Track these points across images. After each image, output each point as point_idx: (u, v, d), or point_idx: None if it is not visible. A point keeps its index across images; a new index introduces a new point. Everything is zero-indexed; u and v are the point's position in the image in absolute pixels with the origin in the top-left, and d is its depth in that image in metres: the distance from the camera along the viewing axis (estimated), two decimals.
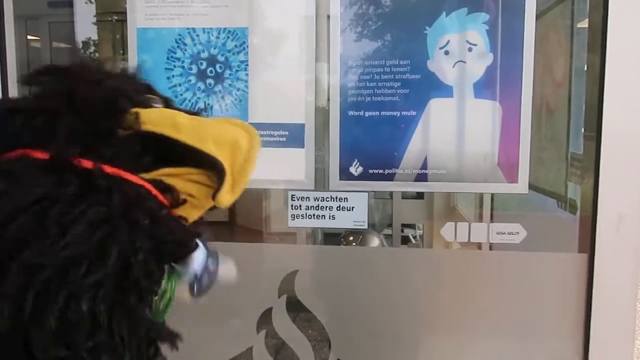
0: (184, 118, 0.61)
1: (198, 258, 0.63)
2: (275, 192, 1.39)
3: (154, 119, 0.59)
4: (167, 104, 0.67)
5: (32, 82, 0.60)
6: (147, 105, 0.61)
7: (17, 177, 0.52)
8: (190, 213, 0.62)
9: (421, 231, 1.83)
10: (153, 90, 0.67)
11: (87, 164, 0.53)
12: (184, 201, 0.60)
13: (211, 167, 0.60)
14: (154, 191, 0.57)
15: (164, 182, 0.59)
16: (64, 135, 0.54)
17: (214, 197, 0.60)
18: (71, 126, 0.54)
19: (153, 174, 0.58)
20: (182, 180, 0.60)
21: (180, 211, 0.60)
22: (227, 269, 0.71)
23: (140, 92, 0.65)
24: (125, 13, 1.30)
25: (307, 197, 1.26)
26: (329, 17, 1.22)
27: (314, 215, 1.26)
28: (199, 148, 0.58)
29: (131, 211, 0.53)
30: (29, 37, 1.57)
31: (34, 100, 0.59)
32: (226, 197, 0.60)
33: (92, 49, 2.12)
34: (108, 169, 0.54)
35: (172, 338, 0.60)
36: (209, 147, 0.59)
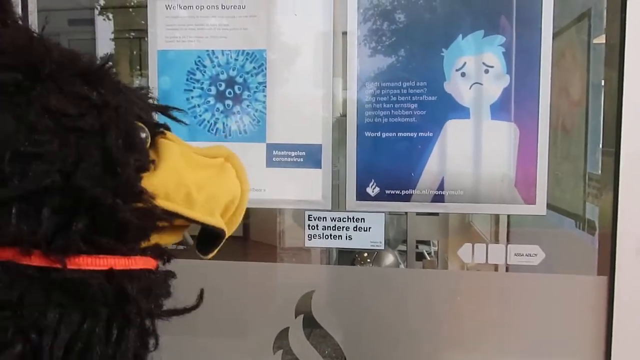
0: (192, 186, 0.58)
1: None
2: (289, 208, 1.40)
3: (167, 192, 0.55)
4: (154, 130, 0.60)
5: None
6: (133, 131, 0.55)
7: None
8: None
9: (436, 247, 1.82)
10: (144, 116, 0.59)
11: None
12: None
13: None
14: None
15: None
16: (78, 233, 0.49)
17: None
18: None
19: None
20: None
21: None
22: None
23: (157, 126, 0.61)
24: (142, 30, 1.32)
25: (324, 217, 1.26)
26: (345, 37, 1.24)
27: (330, 235, 1.27)
28: (213, 224, 0.60)
29: None
30: None
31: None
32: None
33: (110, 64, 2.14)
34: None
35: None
36: (217, 220, 0.60)
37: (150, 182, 0.53)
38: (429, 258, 1.87)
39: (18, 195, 0.43)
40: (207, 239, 0.64)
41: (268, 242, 1.50)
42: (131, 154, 0.51)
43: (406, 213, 1.47)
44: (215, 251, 0.65)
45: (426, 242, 1.88)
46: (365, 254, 1.72)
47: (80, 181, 0.45)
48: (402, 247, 1.66)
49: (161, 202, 0.54)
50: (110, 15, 1.87)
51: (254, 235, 1.56)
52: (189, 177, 0.57)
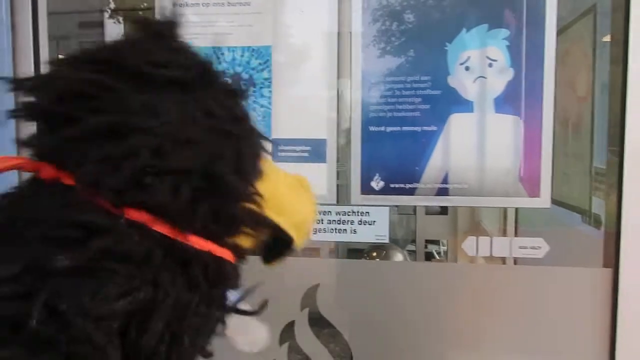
0: (285, 198, 0.64)
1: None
2: None
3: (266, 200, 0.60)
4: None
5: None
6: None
7: None
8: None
9: (445, 247, 1.83)
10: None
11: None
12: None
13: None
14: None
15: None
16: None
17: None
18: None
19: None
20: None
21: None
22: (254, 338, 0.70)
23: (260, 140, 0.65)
24: None
25: (329, 212, 1.27)
26: (351, 34, 1.25)
27: (335, 229, 1.28)
28: (288, 234, 0.62)
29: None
30: (61, 57, 1.63)
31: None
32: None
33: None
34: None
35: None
36: (293, 233, 0.63)
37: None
38: (438, 258, 1.87)
39: (171, 169, 0.50)
40: (273, 248, 0.68)
41: None
42: (257, 161, 0.60)
43: (415, 212, 1.48)
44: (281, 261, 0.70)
45: (435, 242, 1.89)
46: (374, 253, 1.72)
47: (220, 168, 0.52)
48: (411, 247, 1.67)
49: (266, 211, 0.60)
50: (121, 19, 1.90)
51: None
52: (282, 190, 0.64)
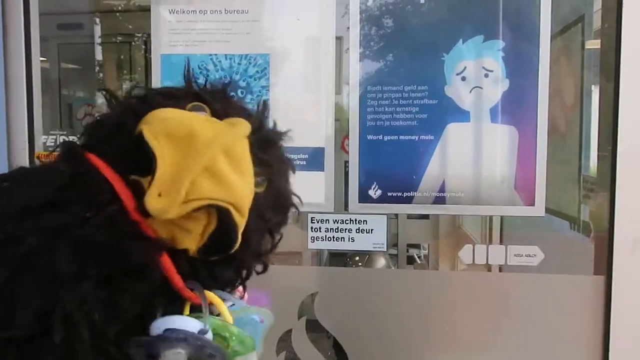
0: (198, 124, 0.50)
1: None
2: None
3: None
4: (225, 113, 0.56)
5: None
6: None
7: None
8: (182, 238, 0.51)
9: (426, 251, 1.85)
10: (202, 97, 0.57)
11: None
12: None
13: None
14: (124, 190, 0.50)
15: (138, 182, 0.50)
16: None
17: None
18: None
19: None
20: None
21: (165, 232, 0.50)
22: None
23: (179, 99, 0.56)
24: (129, 34, 1.32)
25: (326, 220, 1.28)
26: (348, 42, 1.26)
27: (333, 237, 1.28)
28: (146, 139, 0.48)
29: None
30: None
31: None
32: (152, 201, 0.46)
33: (97, 68, 2.16)
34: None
35: None
36: (161, 142, 0.48)
37: None
38: (419, 261, 1.89)
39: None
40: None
41: None
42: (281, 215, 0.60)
43: (397, 216, 1.50)
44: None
45: (416, 246, 1.91)
46: (357, 257, 1.73)
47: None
48: (393, 251, 1.68)
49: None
50: (97, 20, 1.88)
51: None
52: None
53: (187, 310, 0.52)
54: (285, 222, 0.63)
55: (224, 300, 0.55)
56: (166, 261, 0.50)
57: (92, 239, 0.47)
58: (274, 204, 0.59)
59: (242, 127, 0.51)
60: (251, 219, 0.52)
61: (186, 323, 0.50)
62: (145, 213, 0.48)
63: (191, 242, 0.51)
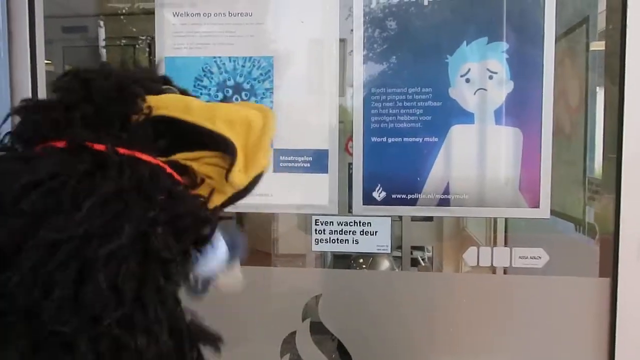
0: (196, 102, 0.62)
1: (220, 246, 0.61)
2: (284, 215, 1.41)
3: (167, 104, 0.60)
4: (185, 94, 0.68)
5: (57, 85, 0.62)
6: (162, 93, 0.63)
7: (35, 160, 0.54)
8: (211, 197, 0.61)
9: (430, 253, 1.84)
10: (169, 81, 0.70)
11: (100, 146, 0.54)
12: (202, 181, 0.60)
13: (225, 149, 0.60)
14: (169, 170, 0.57)
15: (179, 162, 0.59)
16: (79, 123, 0.56)
17: (227, 177, 0.59)
18: (85, 114, 0.57)
19: (168, 158, 0.58)
20: (198, 163, 0.60)
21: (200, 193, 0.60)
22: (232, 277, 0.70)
23: (156, 81, 0.67)
24: (133, 37, 1.33)
25: (330, 222, 1.28)
26: (352, 44, 1.26)
27: (337, 239, 1.28)
28: (209, 128, 0.59)
29: (143, 186, 0.53)
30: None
31: (55, 98, 0.61)
32: (239, 176, 0.59)
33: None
34: (122, 150, 0.54)
35: (214, 340, 0.58)
36: (220, 127, 0.59)
37: None
38: (423, 264, 1.88)
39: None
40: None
41: (264, 249, 1.50)
42: None
43: (401, 218, 1.50)
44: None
45: (420, 248, 1.90)
46: (361, 260, 1.73)
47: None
48: (397, 253, 1.68)
49: (158, 111, 0.60)
50: (102, 23, 1.88)
51: (249, 242, 1.55)
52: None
53: None
54: None
55: None
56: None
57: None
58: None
59: (270, 114, 0.65)
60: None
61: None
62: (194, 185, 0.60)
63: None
